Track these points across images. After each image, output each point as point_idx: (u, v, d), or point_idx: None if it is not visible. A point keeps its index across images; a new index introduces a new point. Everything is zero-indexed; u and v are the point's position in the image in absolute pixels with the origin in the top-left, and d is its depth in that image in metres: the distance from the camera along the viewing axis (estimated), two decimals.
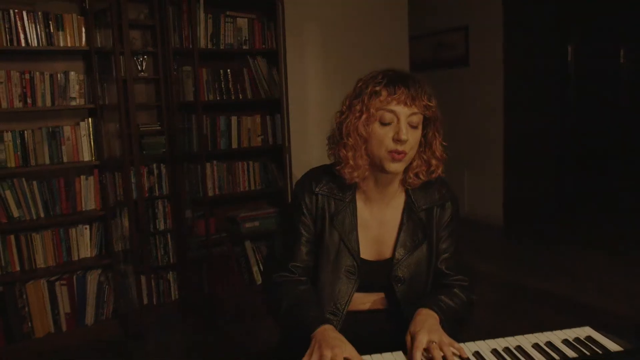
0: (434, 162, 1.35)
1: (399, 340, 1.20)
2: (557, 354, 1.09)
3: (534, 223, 5.04)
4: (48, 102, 2.93)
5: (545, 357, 1.08)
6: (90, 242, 3.15)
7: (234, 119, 3.45)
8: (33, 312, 2.96)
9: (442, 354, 1.08)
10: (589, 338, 1.15)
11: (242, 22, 3.41)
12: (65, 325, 3.05)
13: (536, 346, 1.13)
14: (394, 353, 1.14)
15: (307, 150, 3.83)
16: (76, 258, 3.11)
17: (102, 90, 3.09)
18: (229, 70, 3.42)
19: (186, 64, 3.31)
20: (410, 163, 1.34)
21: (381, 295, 1.40)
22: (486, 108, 5.10)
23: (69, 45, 2.95)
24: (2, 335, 2.89)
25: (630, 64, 5.71)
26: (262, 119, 3.56)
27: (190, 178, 3.40)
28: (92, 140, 3.06)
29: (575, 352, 1.09)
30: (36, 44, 2.86)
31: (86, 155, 3.06)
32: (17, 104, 2.86)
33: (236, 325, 3.19)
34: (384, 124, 1.26)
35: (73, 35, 2.96)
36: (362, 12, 4.06)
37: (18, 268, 2.95)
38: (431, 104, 1.29)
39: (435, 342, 1.11)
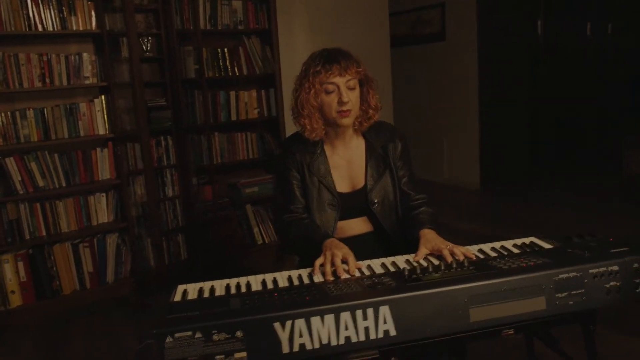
0: (370, 111, 1.75)
1: (388, 255, 1.57)
2: (504, 251, 1.48)
3: (508, 184, 5.48)
4: (64, 82, 3.22)
5: (495, 253, 1.47)
6: (107, 208, 3.48)
7: (232, 94, 3.78)
8: (60, 272, 3.29)
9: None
10: (532, 242, 1.54)
11: (237, 4, 3.72)
12: (89, 283, 3.39)
13: (493, 248, 1.52)
14: (388, 258, 1.52)
15: None
16: (95, 223, 3.45)
17: (112, 70, 3.38)
18: (225, 49, 3.73)
19: (187, 44, 3.61)
20: None
21: (363, 219, 1.80)
22: (462, 80, 5.48)
23: (81, 28, 3.23)
24: (34, 292, 3.23)
25: (595, 37, 6.11)
26: (257, 93, 3.88)
27: (195, 148, 3.73)
28: (105, 115, 3.37)
29: (517, 250, 1.48)
30: (52, 29, 3.14)
31: (101, 129, 3.37)
32: (37, 84, 3.15)
33: None
34: (328, 92, 1.65)
35: (84, 19, 3.23)
36: None
37: (44, 233, 3.27)
38: (360, 69, 1.68)
39: (449, 247, 1.49)
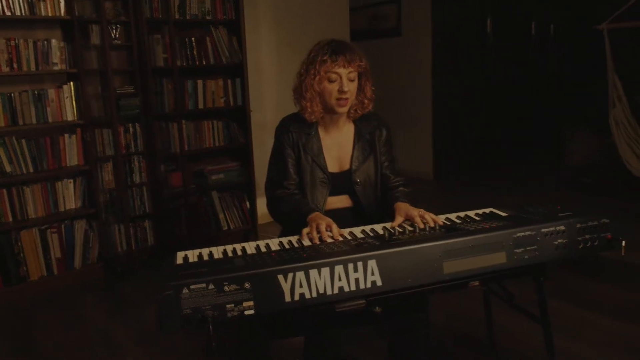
0: (366, 101, 1.94)
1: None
2: (468, 218, 1.69)
3: (460, 175, 5.80)
4: (33, 67, 3.23)
5: (460, 220, 1.68)
6: (75, 194, 3.50)
7: (199, 83, 3.86)
8: (28, 257, 3.30)
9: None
10: (491, 211, 1.76)
11: None
12: (57, 269, 3.41)
13: (457, 217, 1.73)
14: (366, 226, 1.70)
15: (263, 110, 4.32)
16: (63, 209, 3.46)
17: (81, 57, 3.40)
18: (193, 38, 3.81)
19: (155, 33, 3.67)
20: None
21: (346, 196, 1.98)
22: (416, 74, 5.75)
23: (50, 14, 3.24)
24: (1, 278, 3.22)
25: (539, 35, 6.53)
26: (224, 83, 3.98)
27: (162, 136, 3.79)
28: (74, 102, 3.39)
29: (479, 217, 1.70)
30: (19, 13, 3.14)
31: (69, 116, 3.38)
32: (5, 69, 3.14)
33: None
34: (331, 81, 1.82)
35: (53, 4, 3.24)
36: None
37: (11, 218, 3.27)
38: (362, 63, 1.85)
39: (420, 213, 1.69)
